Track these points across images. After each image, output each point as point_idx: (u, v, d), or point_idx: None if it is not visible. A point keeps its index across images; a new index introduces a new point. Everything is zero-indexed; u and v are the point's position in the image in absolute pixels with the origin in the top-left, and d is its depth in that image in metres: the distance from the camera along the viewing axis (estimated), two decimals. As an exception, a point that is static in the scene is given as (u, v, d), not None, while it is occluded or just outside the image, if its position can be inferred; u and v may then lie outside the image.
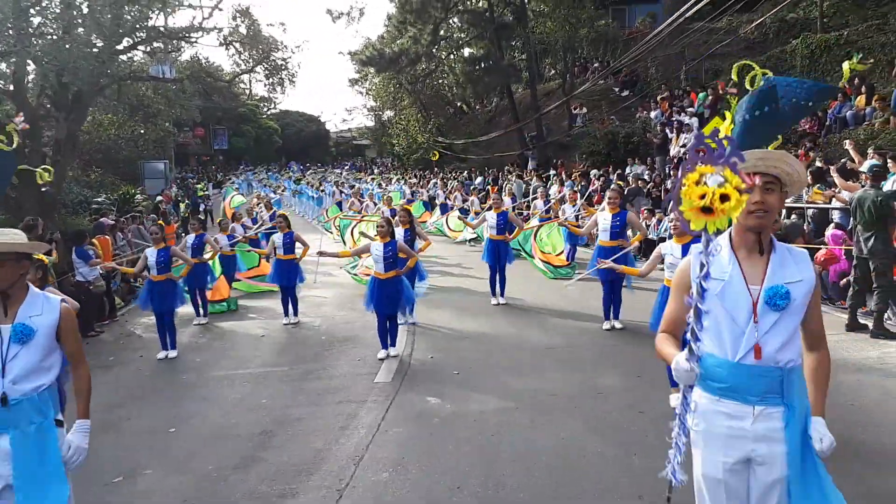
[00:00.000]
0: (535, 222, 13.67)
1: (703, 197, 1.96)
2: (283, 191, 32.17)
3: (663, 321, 2.66)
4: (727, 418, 2.45)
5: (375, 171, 41.95)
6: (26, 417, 3.03)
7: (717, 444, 2.48)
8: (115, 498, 4.84)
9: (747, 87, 2.66)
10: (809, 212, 10.52)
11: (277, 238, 9.89)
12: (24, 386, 3.05)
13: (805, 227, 10.26)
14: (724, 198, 1.94)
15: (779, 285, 2.38)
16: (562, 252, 12.84)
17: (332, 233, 17.99)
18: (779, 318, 2.37)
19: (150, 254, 8.56)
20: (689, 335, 2.32)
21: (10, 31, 12.10)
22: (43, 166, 3.81)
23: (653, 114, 21.08)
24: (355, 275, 11.91)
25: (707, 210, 1.97)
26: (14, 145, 3.24)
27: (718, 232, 2.11)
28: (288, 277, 9.80)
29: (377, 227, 7.98)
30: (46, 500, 3.00)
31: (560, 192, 15.48)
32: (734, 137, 2.56)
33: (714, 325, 2.43)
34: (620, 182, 15.44)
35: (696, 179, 1.99)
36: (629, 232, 8.83)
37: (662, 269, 6.18)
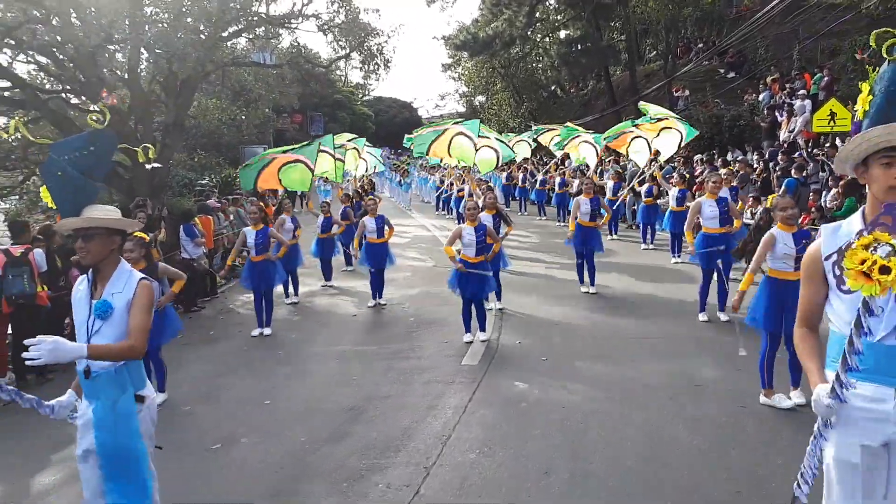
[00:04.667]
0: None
1: (863, 262, 1.97)
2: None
3: (800, 314, 2.53)
4: (865, 401, 2.30)
5: None
6: (105, 391, 3.18)
7: (855, 427, 2.33)
8: (214, 464, 5.07)
9: (884, 55, 2.43)
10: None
11: (368, 221, 10.01)
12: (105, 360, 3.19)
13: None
14: (886, 270, 1.93)
15: None
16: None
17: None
18: None
19: (249, 234, 8.87)
20: (839, 371, 2.21)
21: (127, 21, 12.81)
22: (144, 145, 3.92)
23: (761, 96, 19.93)
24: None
25: (866, 275, 1.97)
26: (106, 122, 3.34)
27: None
28: (378, 260, 9.92)
29: (466, 210, 7.90)
30: (124, 477, 3.14)
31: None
32: (873, 110, 2.35)
33: (850, 306, 2.29)
34: (730, 167, 14.67)
35: (866, 243, 1.99)
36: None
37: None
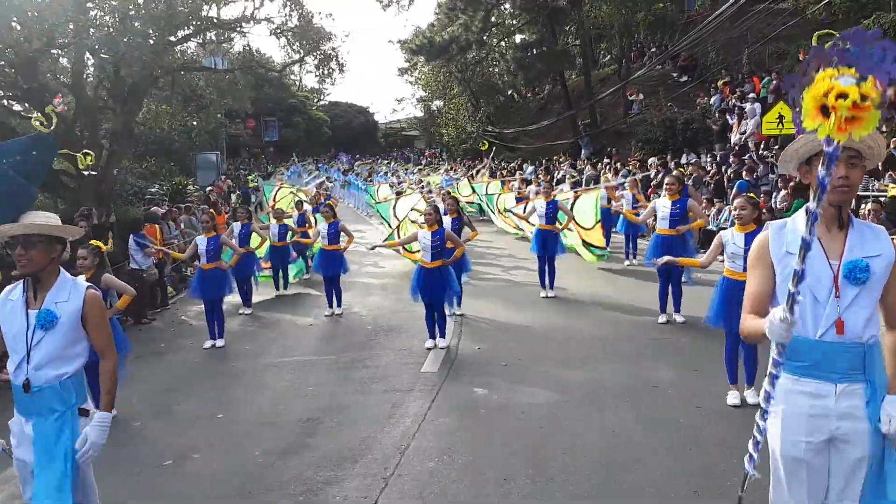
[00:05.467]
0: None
1: (826, 95, 1.81)
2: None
3: (746, 301, 2.48)
4: (809, 398, 2.35)
5: (423, 162, 42.04)
6: (48, 405, 3.00)
7: (799, 424, 2.37)
8: (166, 480, 4.90)
9: None
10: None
11: (322, 227, 9.84)
12: (48, 373, 3.01)
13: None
14: (843, 96, 1.79)
15: (858, 259, 2.30)
16: (595, 225, 12.10)
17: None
18: (859, 292, 2.29)
19: (201, 242, 8.63)
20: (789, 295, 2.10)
21: (70, 26, 12.40)
22: (83, 150, 3.79)
23: (712, 99, 20.40)
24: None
25: (825, 111, 1.82)
26: (52, 127, 3.21)
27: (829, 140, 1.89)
28: (332, 267, 9.70)
29: (425, 214, 7.85)
30: (47, 489, 2.92)
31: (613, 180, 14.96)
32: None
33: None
34: (682, 170, 14.93)
35: (830, 74, 1.84)
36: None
37: (723, 261, 5.88)
